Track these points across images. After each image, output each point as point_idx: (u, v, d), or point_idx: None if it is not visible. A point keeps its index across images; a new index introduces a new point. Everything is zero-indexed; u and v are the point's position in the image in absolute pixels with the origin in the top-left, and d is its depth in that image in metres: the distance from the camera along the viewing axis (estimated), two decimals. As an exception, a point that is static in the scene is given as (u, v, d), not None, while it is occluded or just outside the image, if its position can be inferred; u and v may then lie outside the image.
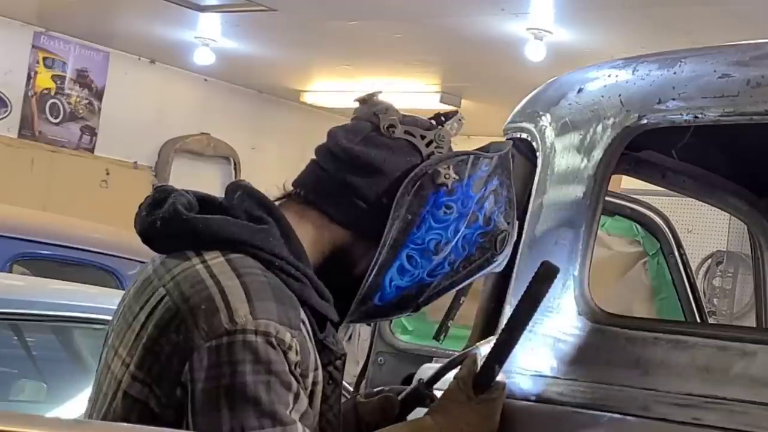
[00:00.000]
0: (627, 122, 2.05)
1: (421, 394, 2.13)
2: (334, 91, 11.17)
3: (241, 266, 1.82)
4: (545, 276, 1.92)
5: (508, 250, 2.04)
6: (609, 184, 2.10)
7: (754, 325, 3.18)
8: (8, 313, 3.73)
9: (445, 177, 1.93)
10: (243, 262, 1.83)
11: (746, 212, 2.81)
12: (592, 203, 2.05)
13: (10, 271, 5.05)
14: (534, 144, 2.19)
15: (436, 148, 1.97)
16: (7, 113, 10.21)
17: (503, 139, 2.31)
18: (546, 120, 2.19)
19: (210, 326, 1.74)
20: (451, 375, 2.04)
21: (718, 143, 2.43)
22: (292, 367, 1.78)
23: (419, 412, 2.07)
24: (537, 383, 2.01)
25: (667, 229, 3.63)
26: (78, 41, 10.56)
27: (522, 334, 1.94)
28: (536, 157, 2.18)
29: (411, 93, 10.72)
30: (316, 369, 1.85)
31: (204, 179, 11.14)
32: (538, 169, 2.16)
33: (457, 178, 1.94)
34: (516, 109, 2.31)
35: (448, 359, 2.24)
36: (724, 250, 8.79)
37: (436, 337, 3.13)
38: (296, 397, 1.77)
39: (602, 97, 2.11)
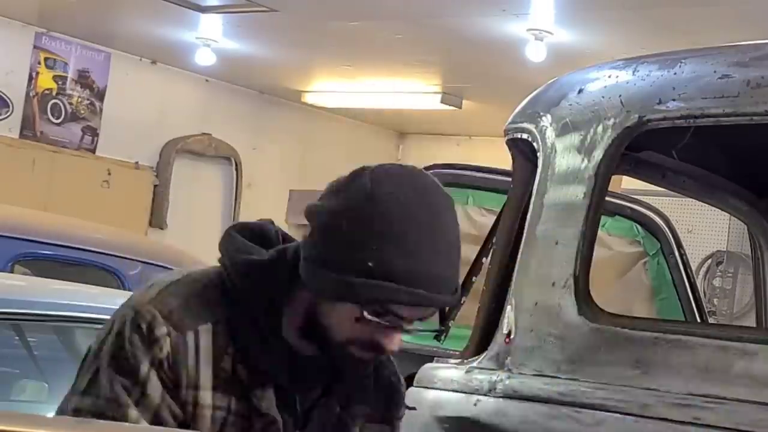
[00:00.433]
0: (627, 122, 2.05)
1: None
2: (335, 91, 11.16)
3: (200, 271, 1.91)
4: None
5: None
6: (609, 185, 2.11)
7: (754, 325, 3.19)
8: (9, 313, 3.73)
9: None
10: (208, 270, 1.91)
11: (746, 212, 2.81)
12: (593, 203, 2.06)
13: (12, 271, 5.05)
14: (534, 144, 2.20)
15: None
16: (8, 113, 10.21)
17: (504, 139, 2.32)
18: (546, 120, 2.19)
19: (130, 300, 1.88)
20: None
21: (718, 143, 2.43)
22: (157, 361, 1.81)
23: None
24: (537, 383, 2.01)
25: (667, 230, 3.64)
26: (79, 42, 10.56)
27: None
28: (537, 158, 2.18)
29: (411, 93, 10.71)
30: (196, 388, 1.83)
31: (205, 180, 11.13)
32: (539, 170, 2.16)
33: None
34: (517, 110, 2.31)
35: (448, 362, 2.24)
36: (724, 250, 8.78)
37: (437, 338, 3.14)
38: (144, 386, 1.79)
39: (603, 97, 2.11)
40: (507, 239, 2.25)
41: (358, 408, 1.96)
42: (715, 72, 1.97)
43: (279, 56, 10.17)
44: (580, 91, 2.16)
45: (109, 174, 10.75)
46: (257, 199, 11.27)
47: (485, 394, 2.07)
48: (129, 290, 4.08)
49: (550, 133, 2.17)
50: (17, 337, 3.98)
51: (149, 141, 11.13)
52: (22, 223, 5.50)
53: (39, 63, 10.36)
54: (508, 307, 2.12)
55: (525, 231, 2.14)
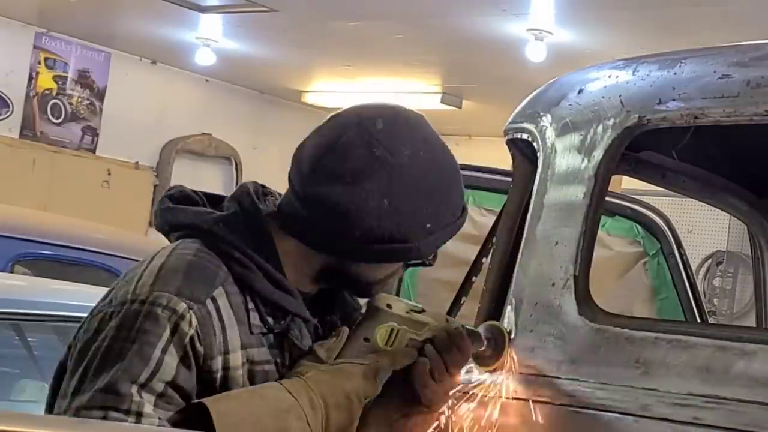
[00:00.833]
0: (627, 123, 2.05)
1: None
2: (336, 91, 11.17)
3: (179, 247, 1.89)
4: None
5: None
6: (609, 185, 2.11)
7: (754, 325, 3.19)
8: (10, 313, 3.74)
9: None
10: (185, 244, 1.89)
11: (746, 212, 2.82)
12: (593, 203, 2.06)
13: (12, 272, 5.05)
14: (535, 144, 2.20)
15: None
16: (8, 114, 10.21)
17: (504, 139, 2.32)
18: (546, 120, 2.19)
19: (117, 297, 1.84)
20: None
21: (718, 143, 2.43)
22: (185, 340, 1.78)
23: None
24: (537, 383, 2.01)
25: (667, 230, 3.64)
26: (79, 42, 10.56)
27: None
28: (537, 158, 2.18)
29: (412, 93, 10.71)
30: (227, 353, 1.84)
31: (205, 179, 11.13)
32: (539, 170, 2.16)
33: None
34: (517, 110, 2.31)
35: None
36: (724, 250, 8.79)
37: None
38: (153, 374, 1.76)
39: (603, 97, 2.11)
40: (507, 239, 2.25)
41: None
42: (715, 72, 1.97)
43: (279, 56, 10.18)
44: (580, 91, 2.16)
45: (109, 174, 10.76)
46: (257, 199, 11.27)
47: (485, 395, 2.07)
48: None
49: (550, 133, 2.17)
50: (17, 337, 3.98)
51: (149, 141, 11.13)
52: (22, 223, 5.51)
53: (39, 63, 10.36)
54: (508, 307, 2.12)
55: (525, 231, 2.14)
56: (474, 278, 3.01)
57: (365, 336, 1.91)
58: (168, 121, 11.25)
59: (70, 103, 10.60)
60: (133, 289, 1.83)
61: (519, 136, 2.25)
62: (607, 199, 2.18)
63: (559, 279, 2.04)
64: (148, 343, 1.77)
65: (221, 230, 1.89)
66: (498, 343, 2.03)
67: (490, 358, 2.03)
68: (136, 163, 11.06)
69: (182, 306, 1.80)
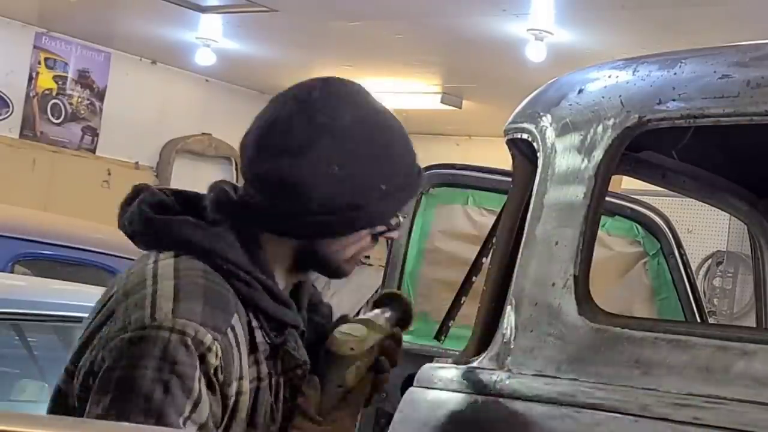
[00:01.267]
0: (627, 123, 2.05)
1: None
2: (335, 91, 11.16)
3: (184, 267, 1.84)
4: None
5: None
6: (609, 185, 2.11)
7: (754, 325, 3.19)
8: (10, 313, 3.74)
9: None
10: (188, 264, 1.85)
11: (746, 212, 2.82)
12: (593, 203, 2.06)
13: (12, 272, 5.05)
14: (535, 144, 2.20)
15: None
16: (8, 114, 10.21)
17: (504, 139, 2.32)
18: (546, 120, 2.19)
19: (131, 321, 1.77)
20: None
21: (718, 143, 2.43)
22: (211, 371, 1.76)
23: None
24: (537, 383, 2.01)
25: (667, 230, 3.64)
26: (79, 42, 10.56)
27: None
28: (537, 158, 2.18)
29: (412, 94, 10.71)
30: (241, 378, 1.83)
31: (205, 180, 11.04)
32: (539, 170, 2.16)
33: None
34: (517, 110, 2.31)
35: (448, 362, 2.24)
36: (724, 250, 8.79)
37: (437, 337, 3.14)
38: (195, 405, 1.74)
39: (603, 97, 2.11)
40: (507, 239, 2.25)
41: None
42: (715, 72, 1.97)
43: (279, 56, 10.18)
44: (580, 91, 2.16)
45: (109, 174, 10.76)
46: (257, 199, 11.29)
47: (485, 394, 2.07)
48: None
49: (550, 133, 2.17)
50: (17, 337, 3.98)
51: (149, 141, 11.13)
52: (22, 224, 5.51)
53: (39, 63, 10.36)
54: (508, 307, 2.12)
55: (525, 231, 2.14)
56: (474, 278, 3.01)
57: (338, 384, 1.97)
58: (168, 121, 11.25)
59: (70, 103, 10.60)
60: (150, 314, 1.77)
61: (519, 136, 2.25)
62: (607, 199, 2.18)
63: (559, 279, 2.03)
64: (188, 376, 1.73)
65: (222, 249, 1.87)
66: (407, 312, 2.14)
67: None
68: (136, 163, 11.07)
69: (209, 338, 1.76)
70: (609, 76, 2.15)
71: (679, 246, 3.62)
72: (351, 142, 1.90)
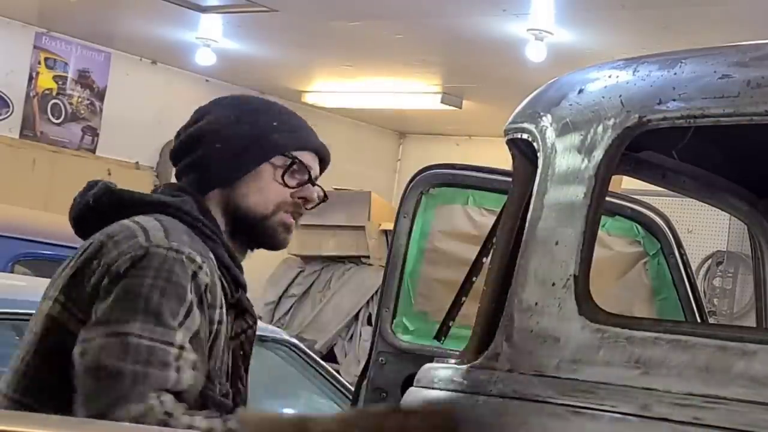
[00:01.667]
0: (627, 123, 2.05)
1: None
2: (335, 91, 11.17)
3: (164, 220, 2.11)
4: None
5: None
6: (609, 185, 2.11)
7: (754, 325, 3.19)
8: (10, 313, 3.74)
9: None
10: (167, 219, 2.12)
11: (746, 212, 2.82)
12: (593, 203, 2.06)
13: (12, 272, 5.06)
14: (535, 144, 2.20)
15: None
16: (8, 114, 10.21)
17: (504, 139, 2.32)
18: (547, 120, 2.19)
19: (129, 246, 2.02)
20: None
21: (718, 143, 2.43)
22: (202, 288, 2.01)
23: None
24: (537, 383, 2.01)
25: (667, 230, 3.64)
26: (79, 42, 10.56)
27: None
28: (537, 158, 2.18)
29: (412, 94, 10.71)
30: (221, 307, 2.05)
31: (205, 180, 11.11)
32: (539, 170, 2.16)
33: None
34: (517, 110, 2.31)
35: (449, 362, 2.24)
36: (724, 250, 8.79)
37: (438, 338, 3.14)
38: (188, 312, 1.96)
39: (603, 97, 2.11)
40: (507, 239, 2.25)
41: None
42: (715, 72, 1.97)
43: (279, 56, 10.18)
44: (580, 91, 2.16)
45: (109, 174, 10.76)
46: (257, 199, 11.28)
47: (485, 394, 2.07)
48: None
49: (550, 133, 2.17)
50: (18, 337, 3.99)
51: (149, 141, 11.13)
52: (22, 224, 5.51)
53: (39, 63, 10.36)
54: (508, 307, 2.12)
55: (525, 231, 2.14)
56: (474, 278, 3.01)
57: None
58: (168, 121, 11.23)
59: (70, 103, 10.60)
60: (146, 238, 2.02)
61: (519, 136, 2.25)
62: (607, 199, 2.18)
63: (559, 279, 2.04)
64: (181, 285, 1.97)
65: (190, 209, 2.16)
66: None
67: None
68: (136, 163, 11.07)
69: (199, 258, 2.03)
70: (609, 76, 2.15)
71: (679, 246, 3.62)
72: (246, 104, 2.34)
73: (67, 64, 10.54)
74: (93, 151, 10.70)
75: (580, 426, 1.95)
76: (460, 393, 2.12)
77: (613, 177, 2.13)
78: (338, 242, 10.03)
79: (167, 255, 1.99)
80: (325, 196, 2.36)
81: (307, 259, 10.31)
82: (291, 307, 10.22)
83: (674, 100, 2.00)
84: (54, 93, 10.50)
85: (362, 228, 9.90)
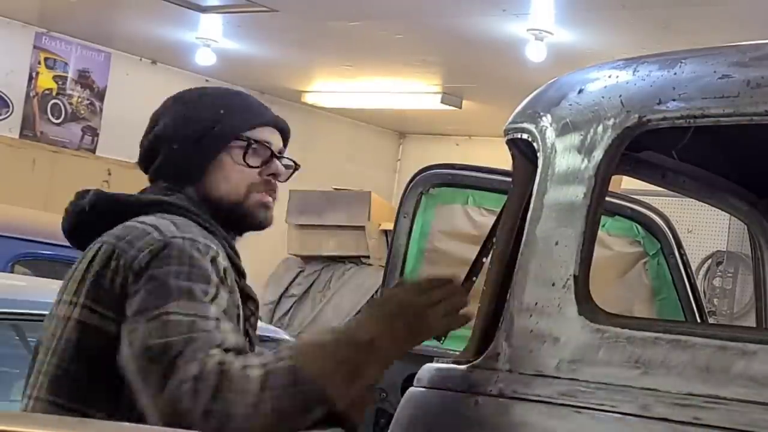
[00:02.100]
0: (627, 123, 2.05)
1: None
2: (335, 91, 11.17)
3: (168, 216, 2.15)
4: None
5: None
6: (609, 185, 2.11)
7: (754, 325, 3.19)
8: (10, 313, 3.74)
9: None
10: (170, 216, 2.16)
11: (746, 212, 2.82)
12: (593, 203, 2.06)
13: (12, 272, 5.06)
14: (535, 144, 2.20)
15: None
16: (8, 113, 10.21)
17: (504, 139, 2.32)
18: (547, 120, 2.19)
19: (145, 242, 2.06)
20: None
21: (718, 143, 2.43)
22: (221, 272, 2.06)
23: None
24: (537, 383, 2.01)
25: (667, 230, 3.64)
26: (79, 42, 10.56)
27: None
28: (537, 158, 2.18)
29: (412, 94, 10.71)
30: (233, 293, 2.11)
31: (205, 180, 11.12)
32: (539, 170, 2.16)
33: None
34: (517, 110, 2.31)
35: (449, 362, 2.24)
36: (724, 250, 8.78)
37: (437, 337, 3.14)
38: (216, 292, 2.01)
39: (603, 97, 2.11)
40: (507, 239, 2.25)
41: None
42: (715, 72, 1.97)
43: (279, 56, 10.18)
44: (580, 91, 2.16)
45: (109, 174, 10.76)
46: (257, 199, 11.28)
47: (485, 394, 2.07)
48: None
49: (550, 133, 2.17)
50: (17, 337, 3.98)
51: (149, 141, 11.12)
52: (22, 223, 5.51)
53: (39, 63, 10.36)
54: (508, 307, 2.12)
55: (525, 231, 2.14)
56: (474, 278, 3.00)
57: None
58: (168, 121, 11.25)
59: (70, 103, 10.60)
60: (160, 233, 2.07)
61: (519, 136, 2.25)
62: (607, 199, 2.18)
63: (559, 279, 2.04)
64: (203, 267, 2.03)
65: (184, 202, 2.21)
66: None
67: None
68: (136, 163, 11.06)
69: (214, 247, 2.09)
70: (609, 76, 2.15)
71: (679, 246, 3.62)
72: (191, 100, 2.42)
73: (67, 64, 10.54)
74: (93, 151, 10.70)
75: (580, 426, 1.95)
76: (460, 393, 2.12)
77: (613, 177, 2.13)
78: (338, 242, 10.02)
79: (184, 244, 2.04)
80: (296, 164, 2.39)
81: (307, 259, 10.31)
82: (291, 307, 10.21)
83: (674, 100, 2.00)
84: (54, 93, 10.50)
85: (362, 228, 9.90)
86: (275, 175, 2.34)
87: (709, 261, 8.87)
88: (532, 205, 2.15)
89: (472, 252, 3.06)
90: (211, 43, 9.63)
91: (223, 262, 2.09)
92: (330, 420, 1.94)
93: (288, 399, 1.89)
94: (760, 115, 1.91)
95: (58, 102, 10.52)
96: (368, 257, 9.99)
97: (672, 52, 2.10)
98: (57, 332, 2.10)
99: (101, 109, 10.81)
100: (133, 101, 10.93)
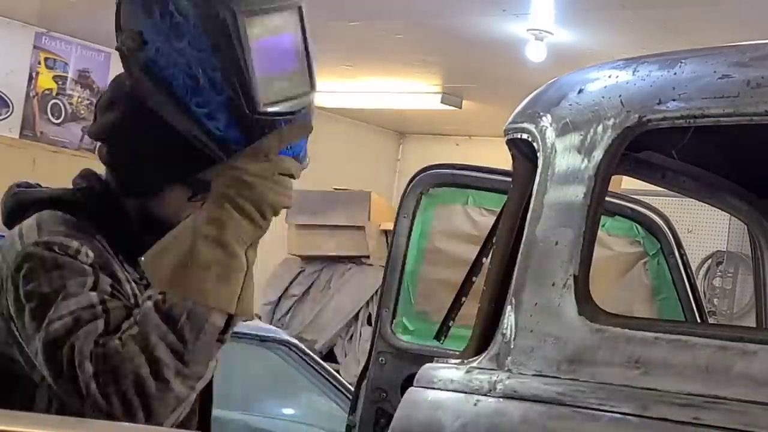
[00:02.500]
0: (627, 123, 2.05)
1: None
2: (336, 91, 11.16)
3: (44, 214, 2.07)
4: None
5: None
6: (609, 185, 2.11)
7: (754, 325, 3.19)
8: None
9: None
10: (46, 212, 2.08)
11: (746, 212, 2.82)
12: (593, 204, 2.06)
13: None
14: (535, 144, 2.20)
15: None
16: (8, 114, 10.21)
17: (504, 139, 2.32)
18: (547, 120, 2.19)
19: (11, 258, 1.98)
20: None
21: (718, 143, 2.43)
22: (90, 262, 1.95)
23: None
24: (537, 383, 2.01)
25: (667, 230, 3.64)
26: (79, 42, 10.56)
27: None
28: (537, 158, 2.18)
29: (412, 93, 10.71)
30: (125, 282, 2.00)
31: (205, 180, 11.11)
32: (539, 170, 2.16)
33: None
34: (517, 110, 2.31)
35: (449, 362, 2.24)
36: (724, 250, 8.78)
37: (437, 337, 3.14)
38: (96, 279, 1.92)
39: (603, 97, 2.12)
40: (507, 239, 2.25)
41: None
42: (715, 72, 1.98)
43: (279, 56, 10.16)
44: (580, 91, 2.17)
45: (109, 174, 10.76)
46: (257, 199, 11.28)
47: (485, 394, 2.08)
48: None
49: (550, 133, 2.17)
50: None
51: (149, 141, 11.12)
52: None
53: (39, 63, 10.36)
54: (508, 307, 2.12)
55: (525, 231, 2.14)
56: (474, 278, 3.01)
57: None
58: (168, 121, 11.25)
59: (70, 103, 10.60)
60: (21, 244, 1.99)
61: (519, 136, 2.25)
62: (607, 199, 2.18)
63: (559, 279, 2.04)
64: (70, 263, 1.93)
65: (67, 196, 2.15)
66: None
67: None
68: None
69: (75, 243, 1.97)
70: (609, 76, 2.15)
71: (679, 246, 3.62)
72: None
73: (67, 64, 10.54)
74: (93, 151, 10.70)
75: (580, 426, 1.95)
76: (460, 393, 2.12)
77: (613, 177, 2.13)
78: (338, 242, 10.02)
79: (41, 251, 1.95)
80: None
81: (307, 259, 10.31)
82: (291, 307, 10.21)
83: (674, 100, 2.00)
84: (54, 93, 10.50)
85: (362, 228, 9.90)
86: None
87: (709, 261, 8.86)
88: (532, 205, 2.15)
89: (472, 252, 3.06)
90: (211, 43, 9.62)
91: (86, 258, 1.96)
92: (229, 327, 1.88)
93: (175, 336, 1.83)
94: (760, 115, 1.91)
95: (58, 102, 10.52)
96: (368, 257, 9.99)
97: (672, 52, 2.10)
98: None
99: (101, 109, 10.81)
100: (133, 101, 10.94)
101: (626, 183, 5.48)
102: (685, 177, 2.56)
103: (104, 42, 10.59)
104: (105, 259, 2.00)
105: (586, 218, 2.05)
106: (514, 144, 2.28)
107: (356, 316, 9.94)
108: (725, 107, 1.94)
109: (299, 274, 10.32)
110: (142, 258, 1.97)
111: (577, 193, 2.07)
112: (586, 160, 2.08)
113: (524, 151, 2.25)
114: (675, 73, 2.03)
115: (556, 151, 2.14)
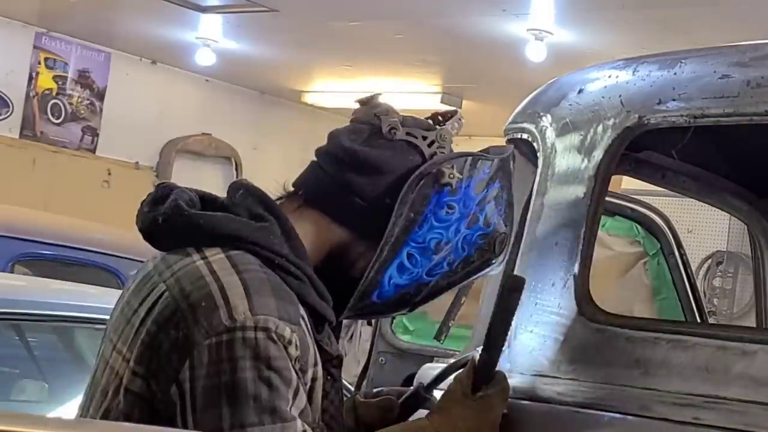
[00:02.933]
0: (627, 123, 2.05)
1: (421, 397, 2.13)
2: (336, 91, 11.17)
3: (240, 262, 1.82)
4: (513, 288, 1.96)
5: (506, 253, 2.04)
6: (609, 185, 2.11)
7: (754, 325, 3.19)
8: (10, 313, 3.74)
9: (449, 177, 1.94)
10: (242, 259, 1.83)
11: (746, 212, 2.82)
12: (593, 204, 2.06)
13: (12, 272, 5.05)
14: (535, 144, 2.20)
15: (438, 148, 1.98)
16: (8, 113, 10.21)
17: (504, 139, 2.32)
18: (547, 120, 2.19)
19: (210, 324, 1.75)
20: (451, 378, 2.04)
21: (718, 143, 2.43)
22: (293, 362, 1.78)
23: (419, 415, 2.06)
24: (537, 383, 2.01)
25: (667, 230, 3.64)
26: (79, 42, 10.56)
27: (504, 340, 1.96)
28: (537, 158, 2.18)
29: (412, 93, 10.71)
30: (315, 365, 1.85)
31: (205, 180, 11.13)
32: (539, 170, 2.16)
33: (460, 177, 1.94)
34: (517, 110, 2.31)
35: (449, 362, 2.24)
36: (724, 250, 8.78)
37: (438, 338, 3.14)
38: (296, 393, 1.77)
39: (603, 97, 2.11)
40: (507, 239, 2.25)
41: None
42: (715, 72, 1.97)
43: (279, 56, 10.18)
44: (580, 91, 2.17)
45: (109, 174, 10.76)
46: (257, 199, 11.28)
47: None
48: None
49: (550, 133, 2.17)
50: (17, 337, 3.99)
51: (149, 141, 11.13)
52: (22, 223, 5.51)
53: (39, 63, 10.36)
54: (508, 307, 2.11)
55: (525, 231, 2.14)
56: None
57: None
58: (168, 121, 11.25)
59: (70, 103, 10.60)
60: (228, 315, 1.76)
61: (519, 136, 2.25)
62: (607, 199, 2.18)
63: (559, 279, 2.04)
64: (284, 368, 1.76)
65: (271, 242, 1.87)
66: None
67: None
68: (136, 163, 11.06)
69: (288, 331, 1.78)
70: (609, 76, 2.15)
71: (679, 246, 3.62)
72: None
73: (67, 64, 10.54)
74: (93, 151, 10.70)
75: (581, 426, 1.95)
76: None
77: (613, 177, 2.13)
78: (338, 242, 10.02)
79: (257, 337, 1.74)
80: None
81: (307, 259, 10.31)
82: (291, 307, 10.21)
83: (674, 100, 2.00)
84: (54, 93, 10.51)
85: (362, 228, 9.89)
86: None
87: (709, 261, 8.87)
88: (532, 205, 2.15)
89: (472, 252, 3.06)
90: (211, 43, 9.63)
91: (294, 352, 1.79)
92: None
93: None
94: (760, 115, 1.91)
95: (58, 102, 10.52)
96: (368, 257, 9.98)
97: (672, 52, 2.10)
98: (105, 385, 1.89)
99: (101, 109, 10.81)
100: (133, 101, 10.94)
101: (626, 183, 5.48)
102: (685, 177, 2.56)
103: (104, 42, 10.60)
104: (305, 346, 1.82)
105: (586, 218, 2.05)
106: (514, 144, 2.28)
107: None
108: (725, 107, 1.94)
109: (299, 274, 10.32)
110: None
111: (577, 193, 2.07)
112: (586, 160, 2.08)
113: (524, 151, 2.25)
114: (675, 73, 2.03)
115: (556, 151, 2.14)
